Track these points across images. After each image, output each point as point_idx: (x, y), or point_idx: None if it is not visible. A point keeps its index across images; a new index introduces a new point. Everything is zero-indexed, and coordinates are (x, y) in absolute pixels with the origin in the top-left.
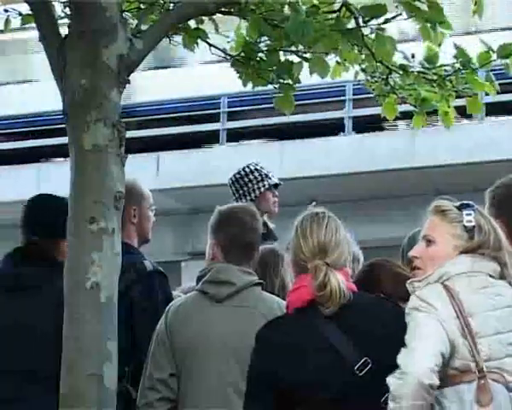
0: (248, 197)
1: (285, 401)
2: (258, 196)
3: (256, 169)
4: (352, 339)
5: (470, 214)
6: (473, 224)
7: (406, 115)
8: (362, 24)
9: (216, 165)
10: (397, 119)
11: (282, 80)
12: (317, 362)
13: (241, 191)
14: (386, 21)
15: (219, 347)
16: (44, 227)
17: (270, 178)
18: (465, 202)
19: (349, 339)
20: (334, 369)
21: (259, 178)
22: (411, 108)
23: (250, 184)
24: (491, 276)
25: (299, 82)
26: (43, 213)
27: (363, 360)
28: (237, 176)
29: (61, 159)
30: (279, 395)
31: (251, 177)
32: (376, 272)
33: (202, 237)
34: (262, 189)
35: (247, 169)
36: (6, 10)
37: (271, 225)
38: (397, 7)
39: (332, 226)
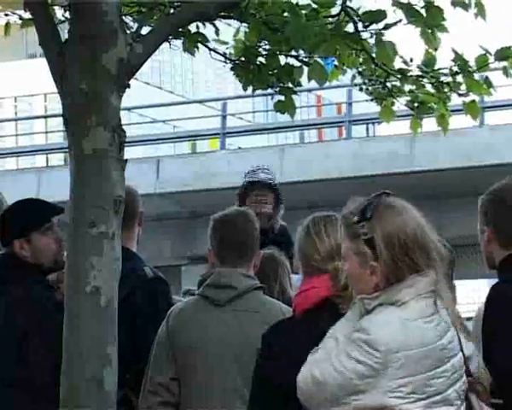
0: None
1: (289, 404)
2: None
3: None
4: None
5: (363, 225)
6: (368, 236)
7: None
8: (362, 29)
9: (216, 169)
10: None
11: (282, 84)
12: None
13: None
14: (386, 27)
15: (220, 351)
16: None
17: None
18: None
19: None
20: None
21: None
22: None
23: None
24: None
25: (299, 85)
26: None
27: None
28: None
29: (61, 163)
30: (284, 398)
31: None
32: None
33: (202, 242)
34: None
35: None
36: (6, 14)
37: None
38: (394, 11)
39: None
